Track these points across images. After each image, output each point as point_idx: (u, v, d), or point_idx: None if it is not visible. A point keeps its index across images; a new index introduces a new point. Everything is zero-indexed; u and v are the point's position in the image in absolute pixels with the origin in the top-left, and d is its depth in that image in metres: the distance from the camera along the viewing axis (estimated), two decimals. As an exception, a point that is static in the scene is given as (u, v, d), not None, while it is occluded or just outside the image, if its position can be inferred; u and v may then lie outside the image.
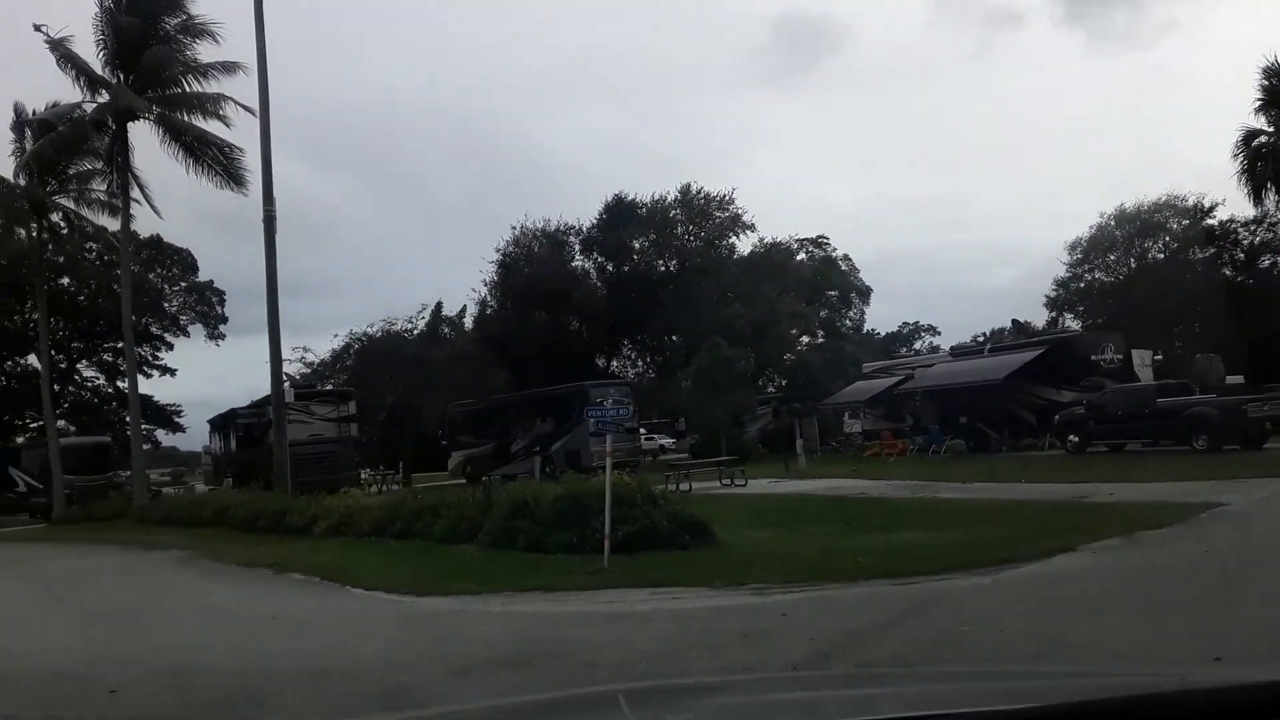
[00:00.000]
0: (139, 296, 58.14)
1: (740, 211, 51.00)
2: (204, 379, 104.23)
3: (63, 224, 38.02)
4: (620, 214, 50.13)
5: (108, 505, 32.03)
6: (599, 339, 47.53)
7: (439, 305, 45.71)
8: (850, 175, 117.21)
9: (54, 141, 30.73)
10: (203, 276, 58.93)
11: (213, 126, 30.31)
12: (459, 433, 42.34)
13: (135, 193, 32.72)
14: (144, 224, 58.22)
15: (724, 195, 50.66)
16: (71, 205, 36.94)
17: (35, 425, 56.55)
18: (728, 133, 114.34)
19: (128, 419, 58.63)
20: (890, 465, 28.85)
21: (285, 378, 36.16)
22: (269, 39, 23.84)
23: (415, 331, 43.93)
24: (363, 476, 33.87)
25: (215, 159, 30.32)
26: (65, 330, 56.61)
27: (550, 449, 37.44)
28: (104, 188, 34.29)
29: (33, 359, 56.08)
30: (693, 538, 12.47)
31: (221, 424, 36.13)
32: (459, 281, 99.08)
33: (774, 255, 53.52)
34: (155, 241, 56.27)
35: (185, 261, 58.28)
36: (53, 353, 57.24)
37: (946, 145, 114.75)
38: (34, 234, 37.48)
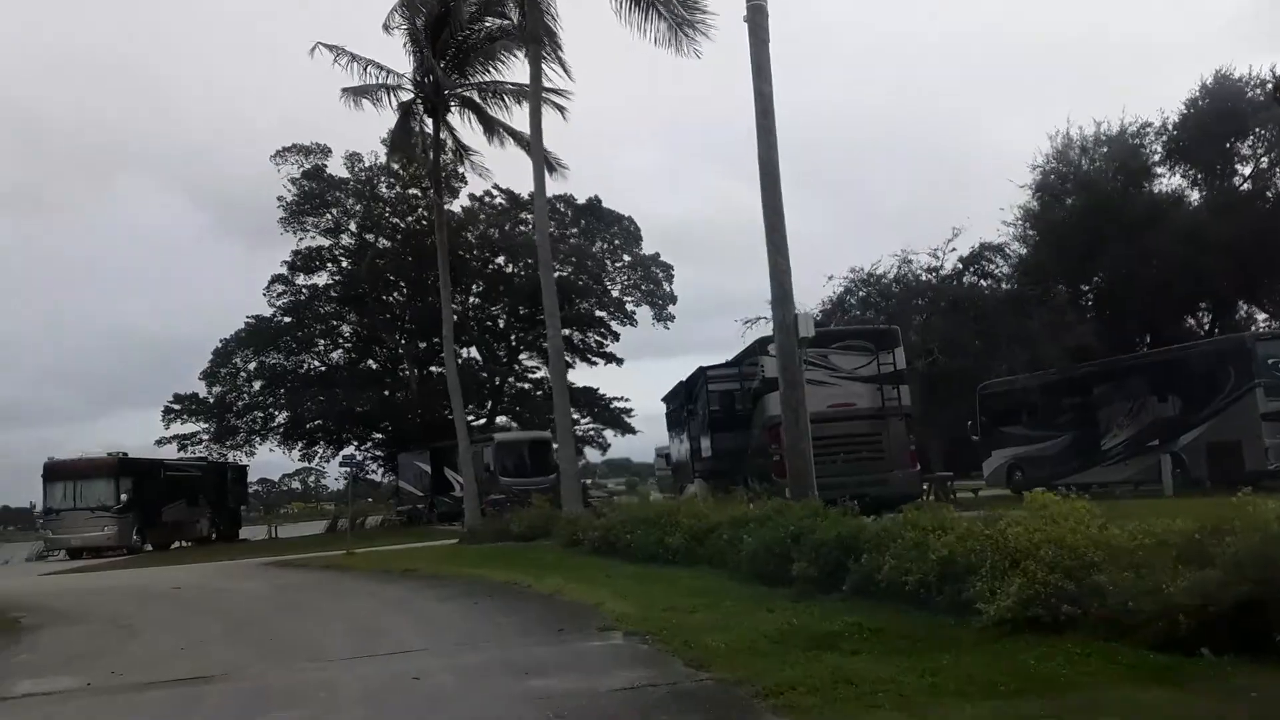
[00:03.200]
0: (578, 273, 51.41)
1: None
2: (648, 376, 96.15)
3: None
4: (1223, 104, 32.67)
5: (527, 517, 22.24)
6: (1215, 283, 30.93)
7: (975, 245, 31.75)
8: None
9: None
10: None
11: None
12: (999, 421, 28.17)
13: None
14: (576, 185, 51.16)
15: None
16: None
17: (477, 422, 50.98)
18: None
19: (579, 419, 52.12)
20: None
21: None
22: None
23: (941, 270, 30.68)
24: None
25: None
26: (505, 313, 50.60)
27: (1178, 442, 22.45)
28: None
29: (473, 350, 51.60)
30: None
31: (684, 395, 24.51)
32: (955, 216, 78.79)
33: None
34: (593, 206, 48.34)
35: (627, 231, 50.01)
36: (489, 341, 52.11)
37: None
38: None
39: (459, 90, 28.49)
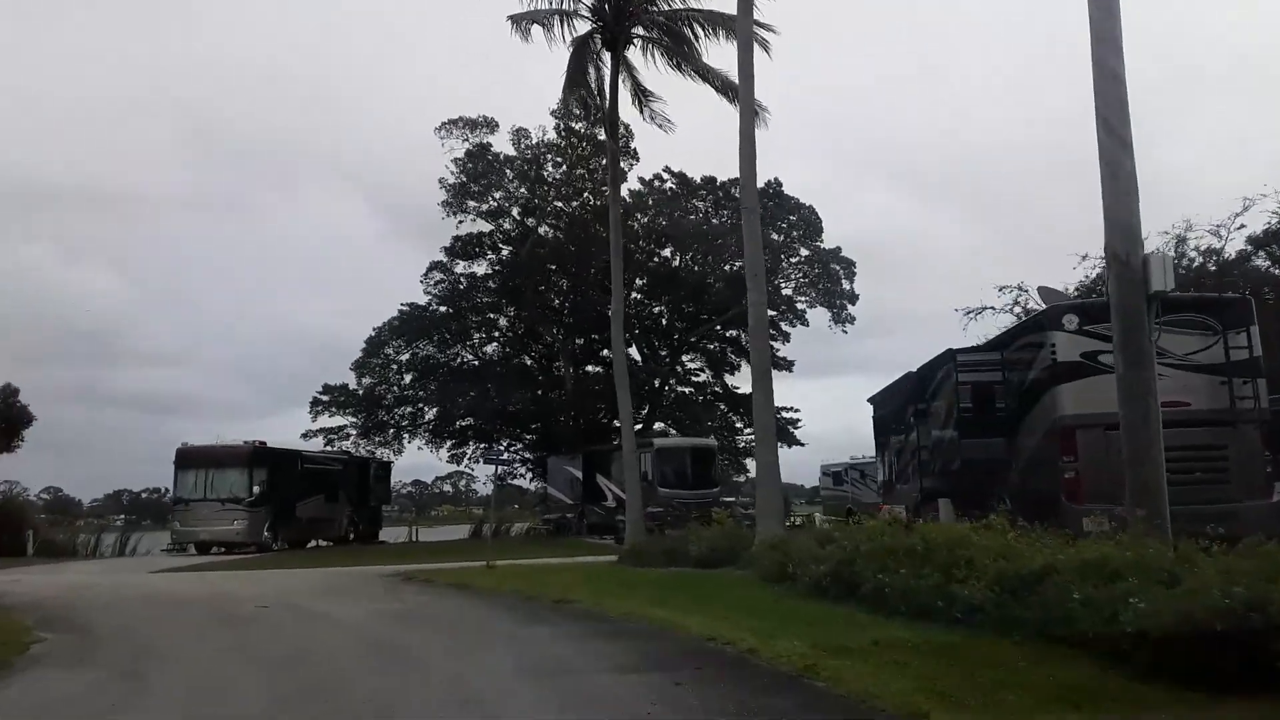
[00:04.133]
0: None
1: None
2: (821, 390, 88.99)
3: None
4: None
5: (708, 536, 17.57)
6: None
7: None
8: None
9: None
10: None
11: None
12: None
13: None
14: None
15: None
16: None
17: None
18: None
19: (743, 428, 46.93)
20: None
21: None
22: None
23: (1223, 253, 24.43)
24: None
25: None
26: (669, 310, 46.24)
27: None
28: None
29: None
30: None
31: (912, 391, 18.54)
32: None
33: None
34: (773, 190, 43.40)
35: (807, 220, 44.84)
36: (651, 340, 47.89)
37: None
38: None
39: (645, 16, 24.09)
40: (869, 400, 23.20)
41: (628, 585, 14.85)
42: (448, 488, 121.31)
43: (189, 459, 30.37)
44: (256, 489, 30.00)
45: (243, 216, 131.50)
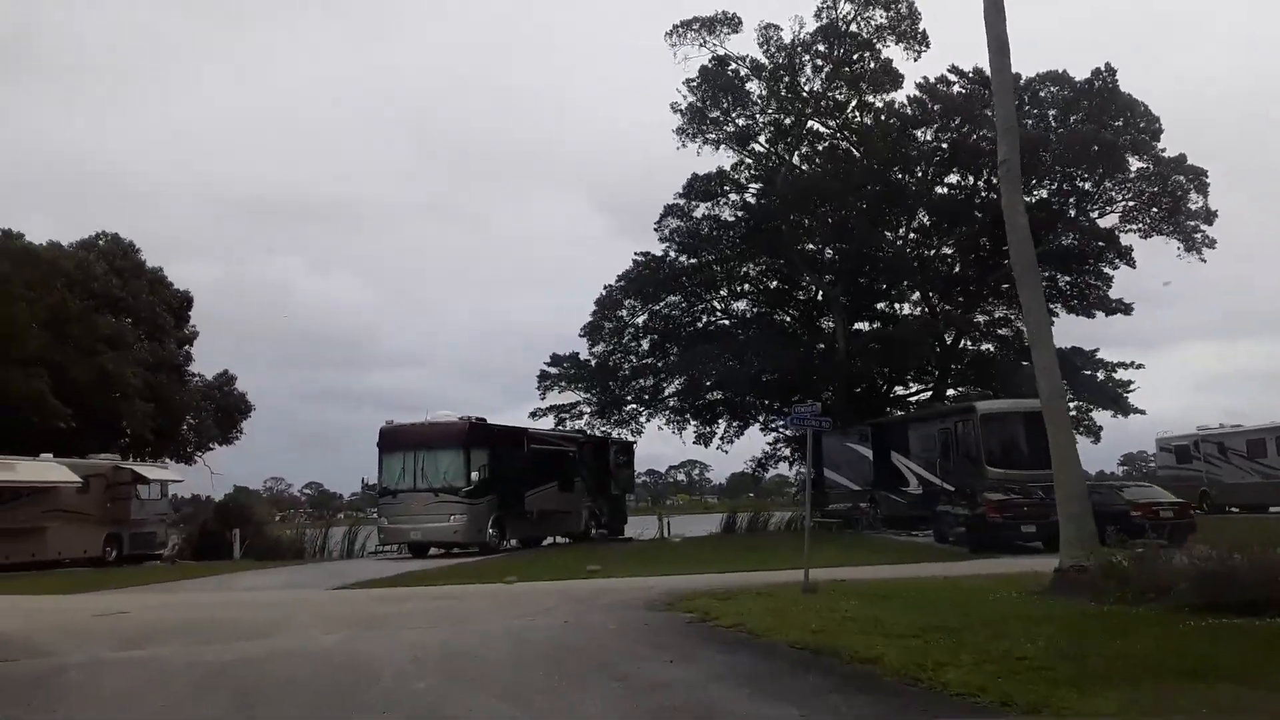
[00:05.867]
0: (1061, 192, 36.53)
1: None
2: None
3: None
4: None
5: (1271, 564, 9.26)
6: None
7: None
8: None
9: None
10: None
11: None
12: None
13: None
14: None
15: None
16: None
17: (916, 396, 38.10)
18: None
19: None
20: None
21: None
22: None
23: None
24: None
25: None
26: (955, 251, 37.25)
27: None
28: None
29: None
30: None
31: None
32: None
33: None
34: (1098, 86, 33.53)
35: (1138, 125, 34.50)
36: (941, 288, 38.85)
37: None
38: None
39: None
40: None
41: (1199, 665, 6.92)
42: (681, 476, 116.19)
43: (394, 440, 24.74)
44: (475, 475, 24.02)
45: (474, 221, 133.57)
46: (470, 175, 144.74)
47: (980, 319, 36.84)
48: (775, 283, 38.04)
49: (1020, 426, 26.22)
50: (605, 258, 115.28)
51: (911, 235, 37.46)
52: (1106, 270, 36.36)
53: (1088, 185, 35.50)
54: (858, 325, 37.49)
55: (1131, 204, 35.90)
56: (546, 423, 35.77)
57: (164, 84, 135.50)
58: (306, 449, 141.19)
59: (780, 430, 38.83)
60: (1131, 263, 35.83)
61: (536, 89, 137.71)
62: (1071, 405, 37.59)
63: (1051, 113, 35.29)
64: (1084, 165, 34.59)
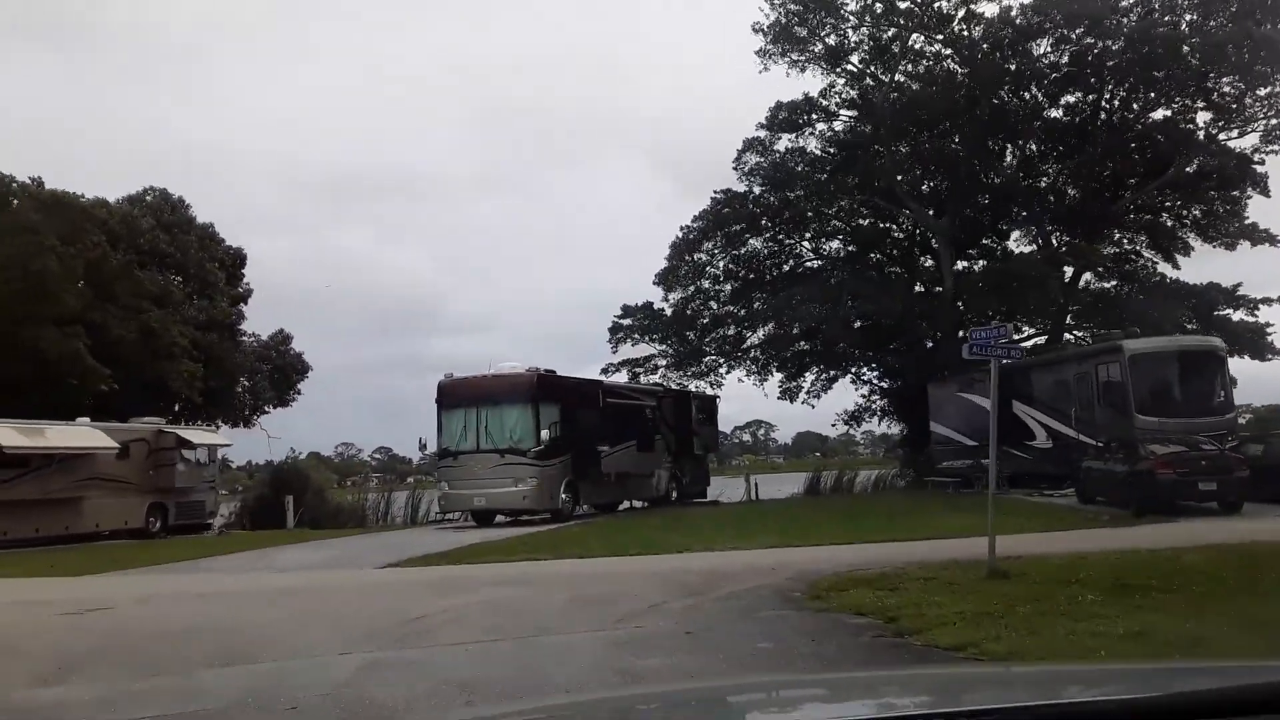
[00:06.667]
0: (1180, 107, 31.84)
1: None
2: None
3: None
4: None
5: None
6: None
7: None
8: None
9: None
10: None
11: None
12: None
13: None
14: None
15: None
16: None
17: (1031, 340, 34.18)
18: None
19: (1194, 331, 30.84)
20: None
21: None
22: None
23: None
24: None
25: None
26: (1066, 177, 33.04)
27: None
28: None
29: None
30: None
31: None
32: None
33: None
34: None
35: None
36: (1055, 218, 34.73)
37: None
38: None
39: None
40: None
41: None
42: (746, 437, 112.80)
43: (455, 395, 21.93)
44: (546, 434, 21.17)
45: (536, 190, 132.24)
46: (530, 146, 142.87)
47: (1109, 250, 32.71)
48: (869, 219, 34.40)
49: (1174, 368, 22.55)
50: (671, 218, 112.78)
51: (1017, 163, 33.48)
52: (1241, 197, 32.07)
53: (1225, 97, 31.15)
54: (961, 264, 33.77)
55: (1275, 121, 31.50)
56: (620, 378, 32.89)
57: (245, 62, 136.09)
58: (378, 415, 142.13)
59: (874, 382, 35.44)
60: (1266, 191, 31.44)
61: (599, 52, 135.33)
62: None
63: (1188, 17, 30.98)
64: (1224, 73, 30.26)
